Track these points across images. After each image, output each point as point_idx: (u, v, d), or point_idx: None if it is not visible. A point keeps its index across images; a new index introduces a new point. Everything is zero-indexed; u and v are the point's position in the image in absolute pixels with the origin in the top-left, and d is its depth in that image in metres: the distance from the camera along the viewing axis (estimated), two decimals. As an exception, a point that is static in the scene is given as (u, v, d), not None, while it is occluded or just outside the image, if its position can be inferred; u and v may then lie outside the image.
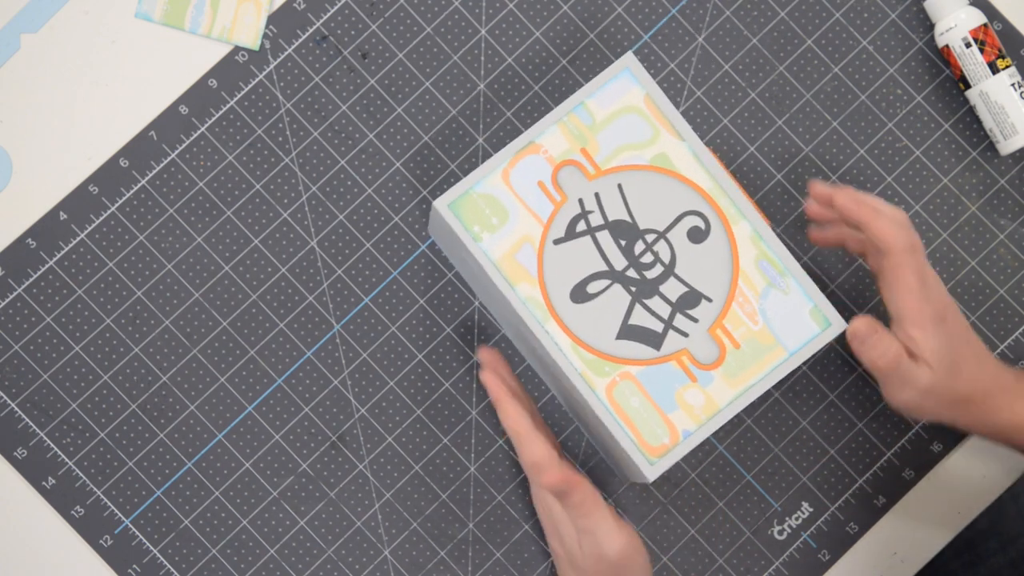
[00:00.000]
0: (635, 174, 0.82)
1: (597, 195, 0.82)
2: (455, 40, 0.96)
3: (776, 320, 0.82)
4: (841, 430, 0.95)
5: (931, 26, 0.96)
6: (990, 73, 0.92)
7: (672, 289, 0.82)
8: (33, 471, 0.93)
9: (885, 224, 0.80)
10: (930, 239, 0.96)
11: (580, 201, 0.82)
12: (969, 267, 0.96)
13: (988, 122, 0.94)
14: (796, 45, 0.96)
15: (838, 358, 0.95)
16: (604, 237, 0.82)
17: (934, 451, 0.95)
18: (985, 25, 0.93)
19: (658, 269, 0.82)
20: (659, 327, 0.81)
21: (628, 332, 0.81)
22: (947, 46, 0.94)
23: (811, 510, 0.95)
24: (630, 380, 0.81)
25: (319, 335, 0.94)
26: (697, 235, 0.82)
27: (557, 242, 0.82)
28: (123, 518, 0.93)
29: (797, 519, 0.95)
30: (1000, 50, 0.93)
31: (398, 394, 0.94)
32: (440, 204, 0.82)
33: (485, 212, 0.82)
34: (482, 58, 0.96)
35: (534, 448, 0.79)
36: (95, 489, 0.93)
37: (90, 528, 0.93)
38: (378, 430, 0.94)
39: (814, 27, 0.96)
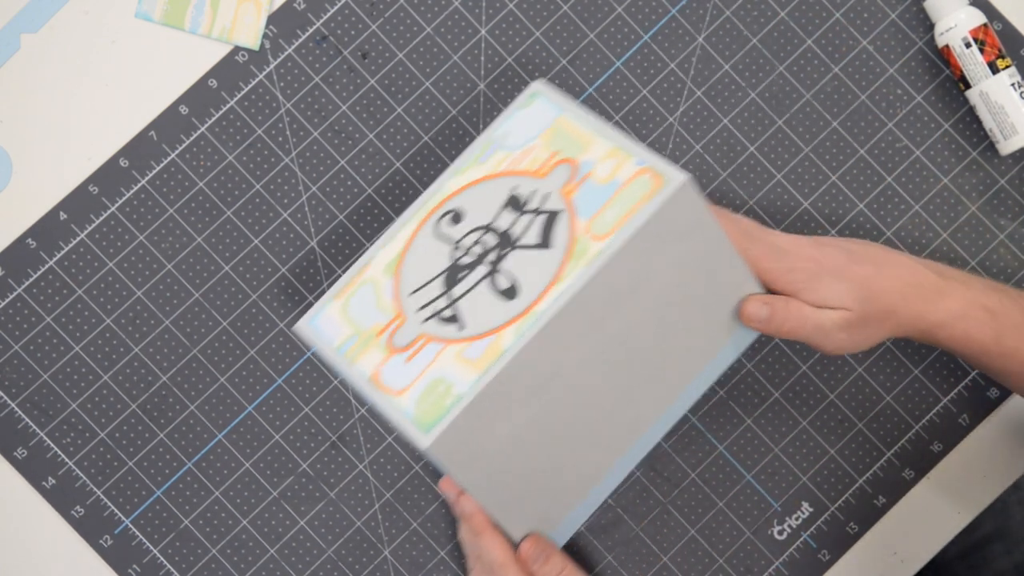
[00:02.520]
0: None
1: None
2: (455, 40, 0.96)
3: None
4: (841, 430, 0.95)
5: (931, 26, 0.96)
6: (990, 73, 0.92)
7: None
8: (33, 471, 0.93)
9: None
10: (930, 239, 0.96)
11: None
12: (969, 267, 0.96)
13: (988, 122, 0.94)
14: (796, 45, 0.96)
15: (838, 358, 0.95)
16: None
17: (934, 451, 0.95)
18: (985, 25, 0.93)
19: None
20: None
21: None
22: (947, 46, 0.94)
23: (811, 510, 0.95)
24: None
25: (319, 335, 0.94)
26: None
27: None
28: (123, 518, 0.93)
29: (797, 519, 0.95)
30: (1000, 50, 0.93)
31: (398, 394, 0.94)
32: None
33: None
34: (482, 58, 0.96)
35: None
36: (95, 489, 0.93)
37: (90, 528, 0.93)
38: (378, 430, 0.94)
39: (814, 27, 0.96)
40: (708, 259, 0.79)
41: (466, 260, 0.78)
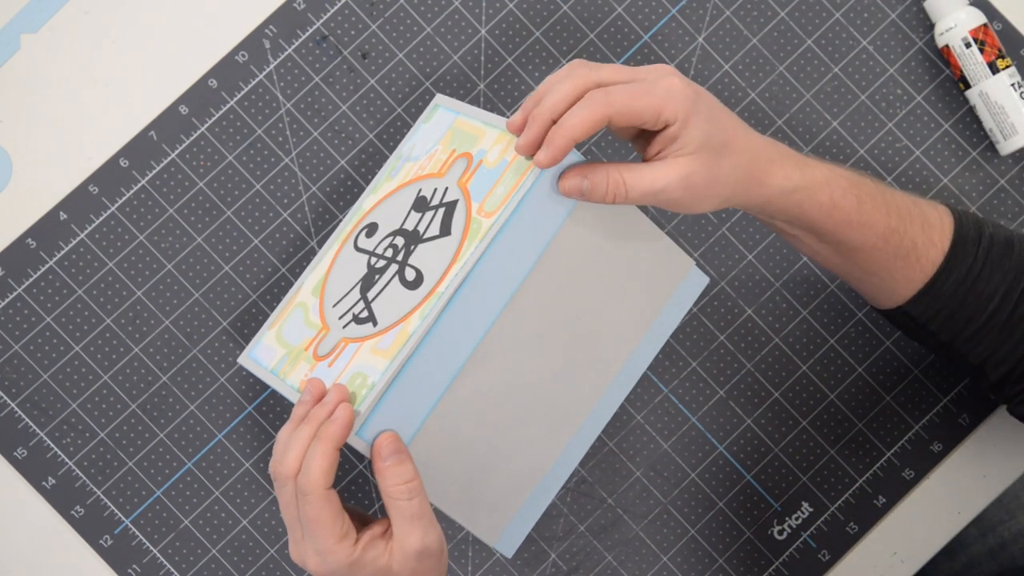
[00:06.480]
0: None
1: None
2: (455, 40, 0.96)
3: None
4: (841, 430, 0.95)
5: (931, 26, 0.96)
6: (990, 73, 0.92)
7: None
8: (33, 471, 0.93)
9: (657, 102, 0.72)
10: (930, 239, 0.96)
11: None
12: (969, 267, 0.96)
13: (988, 122, 0.94)
14: (796, 45, 0.96)
15: (838, 358, 0.95)
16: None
17: (934, 451, 0.95)
18: (985, 25, 0.93)
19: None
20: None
21: None
22: (947, 46, 0.94)
23: (811, 510, 0.95)
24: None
25: (319, 335, 0.94)
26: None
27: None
28: (123, 518, 0.93)
29: (797, 519, 0.95)
30: (1000, 50, 0.93)
31: (398, 394, 0.94)
32: None
33: None
34: (482, 58, 0.96)
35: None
36: (95, 489, 0.93)
37: (90, 528, 0.93)
38: (378, 430, 0.94)
39: (814, 27, 0.96)
40: (616, 228, 0.80)
41: (380, 264, 0.80)
